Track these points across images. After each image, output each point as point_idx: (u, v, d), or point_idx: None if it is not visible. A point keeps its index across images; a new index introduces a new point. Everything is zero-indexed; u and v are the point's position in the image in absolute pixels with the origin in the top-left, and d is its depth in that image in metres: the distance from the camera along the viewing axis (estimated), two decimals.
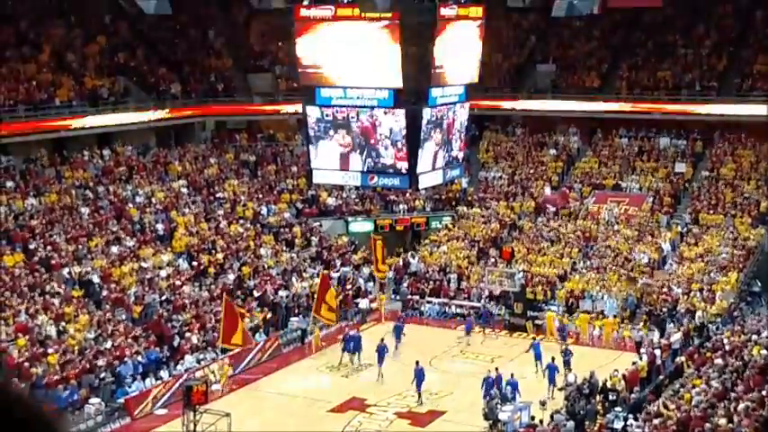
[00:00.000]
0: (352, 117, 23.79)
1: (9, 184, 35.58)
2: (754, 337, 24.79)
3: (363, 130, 23.74)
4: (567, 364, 28.12)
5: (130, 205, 37.69)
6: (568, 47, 49.79)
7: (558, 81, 48.17)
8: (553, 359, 27.75)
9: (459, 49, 23.82)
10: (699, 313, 32.66)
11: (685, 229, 39.64)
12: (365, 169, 24.25)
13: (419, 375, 27.26)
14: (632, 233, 39.57)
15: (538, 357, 28.92)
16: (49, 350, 27.13)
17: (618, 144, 46.26)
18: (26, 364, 25.99)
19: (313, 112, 24.34)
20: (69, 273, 31.96)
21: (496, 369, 26.73)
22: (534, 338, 30.60)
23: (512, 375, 26.44)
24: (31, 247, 32.48)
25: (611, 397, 24.93)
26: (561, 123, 47.89)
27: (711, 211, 40.05)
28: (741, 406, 18.40)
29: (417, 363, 27.85)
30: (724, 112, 43.04)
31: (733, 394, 19.70)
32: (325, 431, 25.08)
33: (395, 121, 23.28)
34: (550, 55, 49.44)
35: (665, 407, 21.27)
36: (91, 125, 39.49)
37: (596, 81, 47.34)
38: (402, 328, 32.19)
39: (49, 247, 32.74)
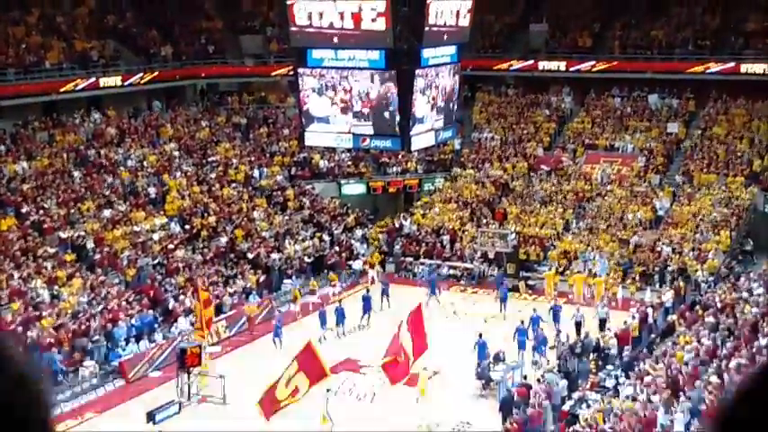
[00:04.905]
0: (344, 78, 23.63)
1: (0, 147, 35.44)
2: (746, 295, 24.93)
3: (355, 92, 23.59)
4: (556, 319, 28.38)
5: (122, 169, 37.56)
6: (561, 6, 49.46)
7: (551, 41, 47.93)
8: (522, 322, 27.81)
9: (451, 9, 23.62)
10: (692, 272, 32.83)
11: (678, 188, 39.65)
12: (357, 131, 24.14)
13: (366, 303, 30.79)
14: (625, 193, 39.61)
15: (556, 320, 29.03)
16: (43, 313, 27.19)
17: (611, 104, 46.15)
18: (20, 327, 26.04)
19: (304, 74, 24.16)
20: (61, 236, 31.93)
21: (480, 335, 26.71)
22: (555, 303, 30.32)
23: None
24: (24, 210, 32.44)
25: (602, 356, 25.11)
26: (554, 83, 47.72)
27: (704, 171, 40.05)
28: (732, 363, 18.53)
29: (367, 290, 31.77)
30: (717, 71, 42.91)
31: (724, 352, 19.84)
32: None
33: (387, 83, 23.12)
34: (543, 14, 49.13)
35: (652, 368, 21.44)
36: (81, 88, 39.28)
37: (589, 40, 47.11)
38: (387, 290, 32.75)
39: (41, 211, 32.68)
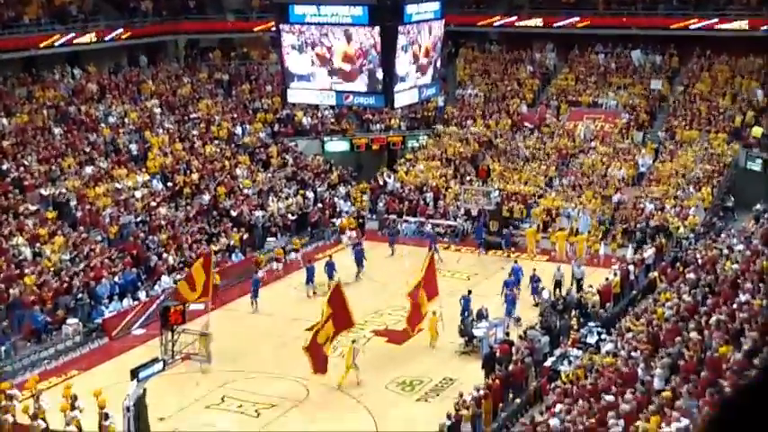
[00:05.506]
0: (324, 35, 23.40)
1: None
2: (726, 251, 25.08)
3: (337, 49, 23.39)
4: (535, 290, 28.40)
5: (103, 125, 37.24)
6: None
7: None
8: (509, 275, 28.10)
9: None
10: (674, 229, 33.00)
11: (660, 145, 39.72)
12: (340, 88, 23.98)
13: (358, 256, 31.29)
14: (608, 150, 39.65)
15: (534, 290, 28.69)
16: (26, 271, 27.09)
17: (594, 60, 46.02)
18: (2, 285, 25.95)
19: (285, 30, 23.92)
20: (43, 194, 31.70)
21: (469, 292, 26.84)
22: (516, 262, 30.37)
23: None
24: (4, 167, 32.15)
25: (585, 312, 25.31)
26: (537, 40, 47.48)
27: (687, 127, 40.12)
28: (712, 319, 18.69)
29: (330, 256, 31.25)
30: (700, 27, 42.81)
31: (704, 308, 20.00)
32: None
33: (370, 39, 22.93)
34: None
35: (633, 324, 21.62)
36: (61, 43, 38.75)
37: None
38: (362, 252, 32.18)
39: (21, 168, 32.41)
